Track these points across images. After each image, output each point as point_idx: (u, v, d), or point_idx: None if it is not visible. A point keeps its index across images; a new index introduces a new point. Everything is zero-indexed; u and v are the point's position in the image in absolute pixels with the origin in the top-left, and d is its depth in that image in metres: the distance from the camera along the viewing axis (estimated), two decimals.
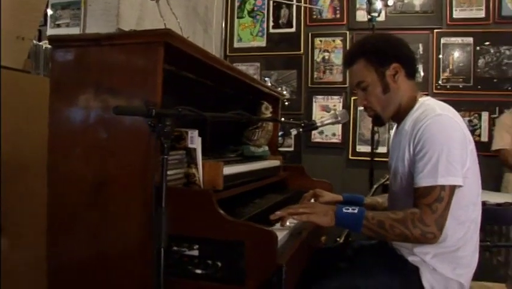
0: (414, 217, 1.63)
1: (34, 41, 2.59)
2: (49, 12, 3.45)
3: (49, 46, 2.47)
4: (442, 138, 1.67)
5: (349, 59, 1.98)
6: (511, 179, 4.01)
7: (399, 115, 1.93)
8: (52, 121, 1.71)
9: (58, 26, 3.46)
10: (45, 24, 3.54)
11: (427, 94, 1.99)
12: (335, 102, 4.79)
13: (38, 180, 1.78)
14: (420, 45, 4.55)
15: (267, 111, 2.65)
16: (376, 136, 4.16)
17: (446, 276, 1.75)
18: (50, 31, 3.44)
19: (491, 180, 4.15)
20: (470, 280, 1.81)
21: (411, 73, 1.92)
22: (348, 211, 1.72)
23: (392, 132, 2.10)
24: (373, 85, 1.90)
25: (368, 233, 1.72)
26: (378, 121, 2.00)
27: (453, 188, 1.65)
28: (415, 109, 1.86)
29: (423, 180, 1.66)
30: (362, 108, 2.02)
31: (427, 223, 1.61)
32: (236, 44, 5.11)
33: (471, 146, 1.76)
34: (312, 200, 2.27)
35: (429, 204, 1.62)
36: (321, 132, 4.77)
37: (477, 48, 4.45)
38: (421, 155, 1.69)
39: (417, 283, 1.76)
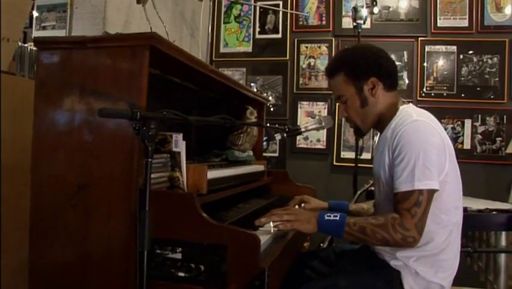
0: (394, 221, 1.65)
1: (19, 43, 2.57)
2: (35, 14, 3.44)
3: (34, 48, 2.47)
4: (418, 143, 1.70)
5: (330, 72, 2.02)
6: None
7: (381, 125, 1.96)
8: (37, 124, 1.71)
9: (44, 28, 3.45)
10: (30, 26, 3.52)
11: (410, 102, 2.01)
12: (320, 108, 4.81)
13: (22, 182, 1.78)
14: (405, 53, 4.59)
15: (251, 116, 2.66)
16: (360, 143, 4.18)
17: (428, 280, 1.77)
18: (35, 33, 3.42)
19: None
20: (451, 283, 1.84)
21: (390, 85, 1.94)
22: (330, 218, 1.75)
23: (376, 138, 2.13)
24: (351, 99, 1.95)
25: (351, 239, 1.74)
26: (358, 132, 2.05)
27: (431, 192, 1.68)
28: (395, 117, 1.88)
29: (402, 186, 1.69)
30: (344, 119, 2.05)
31: (407, 228, 1.63)
32: (222, 49, 5.11)
33: (450, 151, 1.79)
34: (303, 205, 2.29)
35: (408, 208, 1.65)
36: (306, 138, 4.79)
37: (461, 56, 4.50)
38: (399, 160, 1.71)
39: (399, 287, 1.78)
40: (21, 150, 1.86)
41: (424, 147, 1.69)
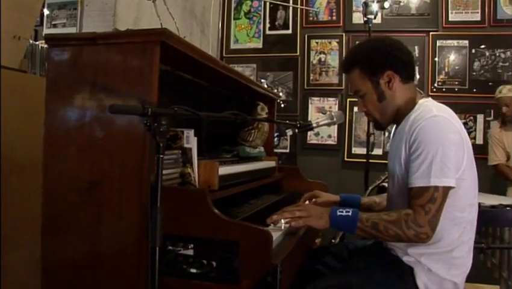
0: (407, 218, 1.64)
1: (30, 41, 2.58)
2: (46, 12, 3.45)
3: (45, 46, 2.47)
4: (437, 139, 1.68)
5: (345, 68, 2.00)
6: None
7: (398, 118, 1.93)
8: (48, 121, 1.71)
9: (55, 26, 3.46)
10: (41, 24, 3.54)
11: (424, 96, 1.99)
12: (331, 104, 4.80)
13: (34, 179, 1.78)
14: (416, 47, 4.56)
15: (262, 112, 2.65)
16: (371, 138, 4.16)
17: (441, 277, 1.76)
18: (46, 31, 3.44)
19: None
20: (464, 281, 1.82)
21: (407, 77, 1.91)
22: (342, 213, 1.73)
23: (391, 133, 2.10)
24: (368, 93, 1.92)
25: (363, 235, 1.73)
26: (378, 126, 2.03)
27: (446, 189, 1.66)
28: (413, 111, 1.86)
29: (417, 181, 1.67)
30: (363, 113, 2.03)
31: (420, 224, 1.62)
32: (232, 46, 5.11)
33: (468, 147, 1.77)
34: (313, 200, 2.28)
35: (422, 205, 1.63)
36: (317, 134, 4.78)
37: (473, 51, 4.46)
38: (416, 155, 1.69)
39: (412, 284, 1.77)
40: (33, 147, 1.87)
41: (443, 144, 1.66)
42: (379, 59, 1.88)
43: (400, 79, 1.89)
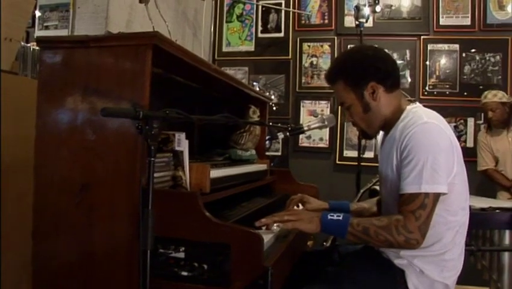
0: (398, 223, 1.64)
1: (22, 43, 2.57)
2: (37, 14, 3.44)
3: (37, 48, 2.47)
4: (428, 146, 1.68)
5: (329, 80, 2.00)
6: (502, 197, 4.03)
7: (386, 126, 1.94)
8: (39, 123, 1.70)
9: (46, 28, 3.44)
10: (33, 26, 3.52)
11: (411, 100, 1.99)
12: (323, 107, 4.81)
13: (25, 182, 1.77)
14: (407, 51, 4.60)
15: (254, 115, 2.65)
16: (363, 141, 4.18)
17: (433, 278, 1.77)
18: (38, 33, 3.42)
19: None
20: (455, 283, 1.84)
21: (391, 86, 1.90)
22: (333, 217, 1.74)
23: (379, 138, 2.11)
24: (354, 105, 1.92)
25: (353, 240, 1.73)
26: (366, 136, 2.05)
27: (437, 196, 1.67)
28: (402, 118, 1.86)
29: (408, 187, 1.67)
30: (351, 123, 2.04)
31: (410, 230, 1.63)
32: (225, 49, 5.12)
33: (458, 152, 1.78)
34: (300, 206, 2.28)
35: (412, 211, 1.64)
36: (308, 137, 4.79)
37: (463, 55, 4.50)
38: (407, 161, 1.70)
39: (403, 286, 1.78)
40: (25, 150, 1.86)
41: (434, 150, 1.67)
42: (362, 71, 1.88)
43: (384, 89, 1.88)
